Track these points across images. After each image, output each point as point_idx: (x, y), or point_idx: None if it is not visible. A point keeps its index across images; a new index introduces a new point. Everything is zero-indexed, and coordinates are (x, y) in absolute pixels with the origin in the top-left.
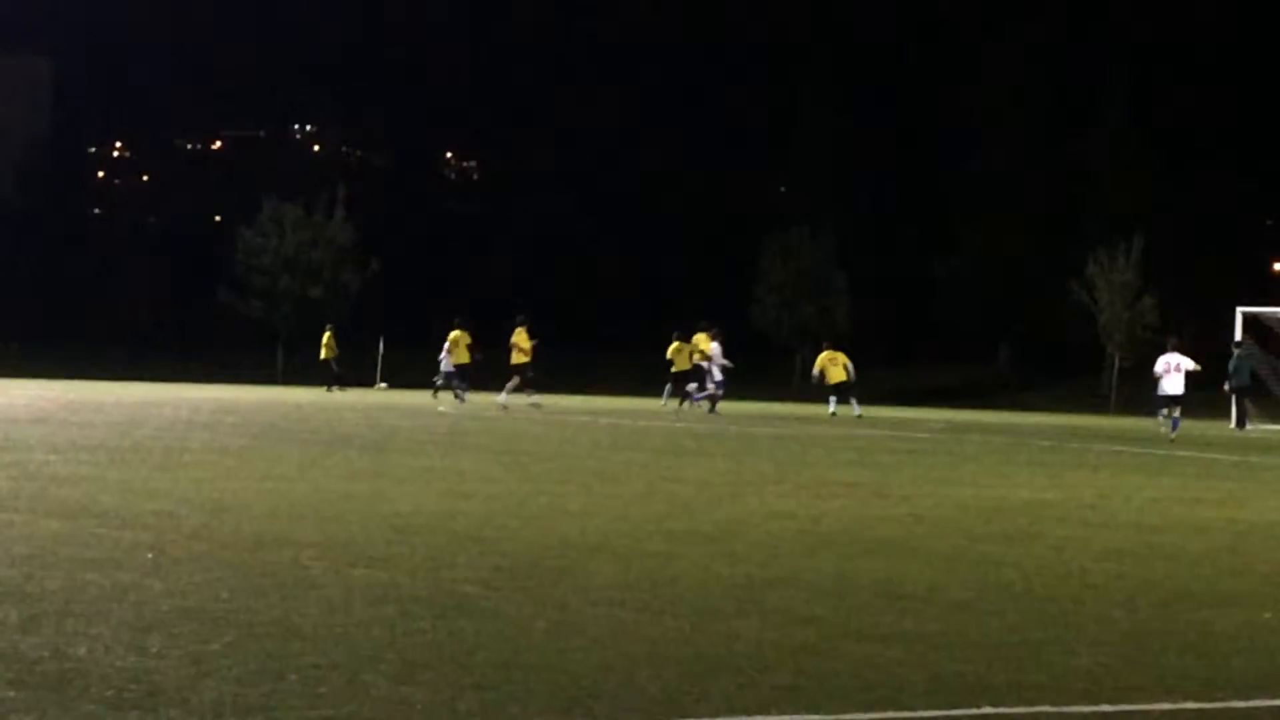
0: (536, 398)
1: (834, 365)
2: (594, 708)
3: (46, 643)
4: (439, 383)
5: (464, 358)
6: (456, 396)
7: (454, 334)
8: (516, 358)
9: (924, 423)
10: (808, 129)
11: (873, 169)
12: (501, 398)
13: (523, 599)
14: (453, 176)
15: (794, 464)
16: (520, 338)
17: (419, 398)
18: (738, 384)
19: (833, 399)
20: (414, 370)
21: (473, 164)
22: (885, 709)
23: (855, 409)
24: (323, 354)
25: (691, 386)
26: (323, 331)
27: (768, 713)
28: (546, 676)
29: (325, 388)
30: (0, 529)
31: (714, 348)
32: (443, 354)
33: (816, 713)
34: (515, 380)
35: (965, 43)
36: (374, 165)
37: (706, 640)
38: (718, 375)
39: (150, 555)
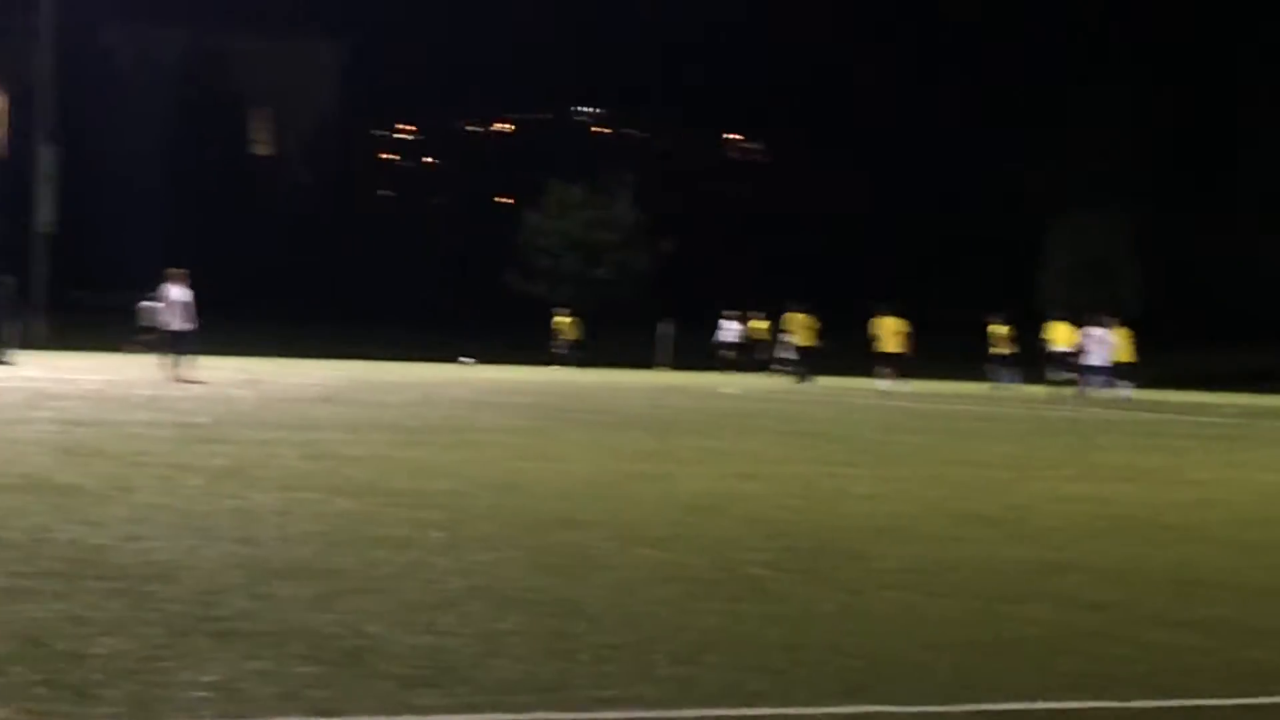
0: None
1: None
2: (882, 691)
3: (340, 620)
4: (777, 366)
5: (808, 340)
6: (801, 379)
7: (796, 316)
8: (894, 345)
9: (1218, 407)
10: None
11: (1169, 149)
12: (884, 385)
13: (810, 581)
14: (736, 157)
15: (1082, 447)
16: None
17: (703, 379)
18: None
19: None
20: (697, 352)
21: (758, 145)
22: (1177, 696)
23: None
24: (570, 334)
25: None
26: (564, 315)
27: (1058, 698)
28: (834, 659)
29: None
30: (294, 508)
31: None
32: (783, 336)
33: (1106, 699)
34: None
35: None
36: (658, 147)
37: (995, 624)
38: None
39: (440, 535)
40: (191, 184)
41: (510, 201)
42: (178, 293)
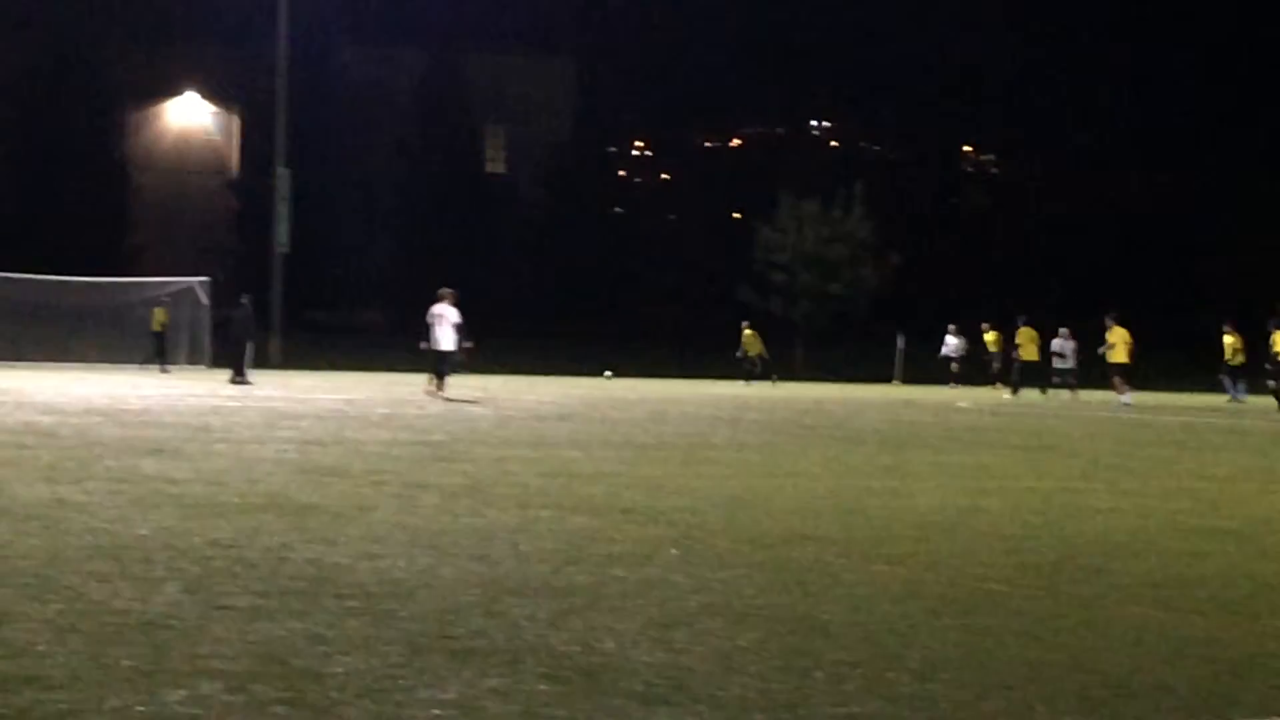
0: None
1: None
2: (1122, 708)
3: (575, 637)
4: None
5: (1032, 355)
6: (1068, 387)
7: (1023, 330)
8: (1124, 355)
9: None
10: None
11: None
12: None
13: (1048, 597)
14: (970, 170)
15: None
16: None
17: (938, 393)
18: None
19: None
20: (926, 366)
21: (990, 157)
22: None
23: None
24: (754, 349)
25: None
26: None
27: None
28: (1073, 676)
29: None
30: (529, 525)
31: None
32: (1012, 350)
33: None
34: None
35: None
36: (891, 160)
37: (1237, 639)
38: None
39: (675, 551)
40: (425, 202)
41: (742, 217)
42: (447, 311)
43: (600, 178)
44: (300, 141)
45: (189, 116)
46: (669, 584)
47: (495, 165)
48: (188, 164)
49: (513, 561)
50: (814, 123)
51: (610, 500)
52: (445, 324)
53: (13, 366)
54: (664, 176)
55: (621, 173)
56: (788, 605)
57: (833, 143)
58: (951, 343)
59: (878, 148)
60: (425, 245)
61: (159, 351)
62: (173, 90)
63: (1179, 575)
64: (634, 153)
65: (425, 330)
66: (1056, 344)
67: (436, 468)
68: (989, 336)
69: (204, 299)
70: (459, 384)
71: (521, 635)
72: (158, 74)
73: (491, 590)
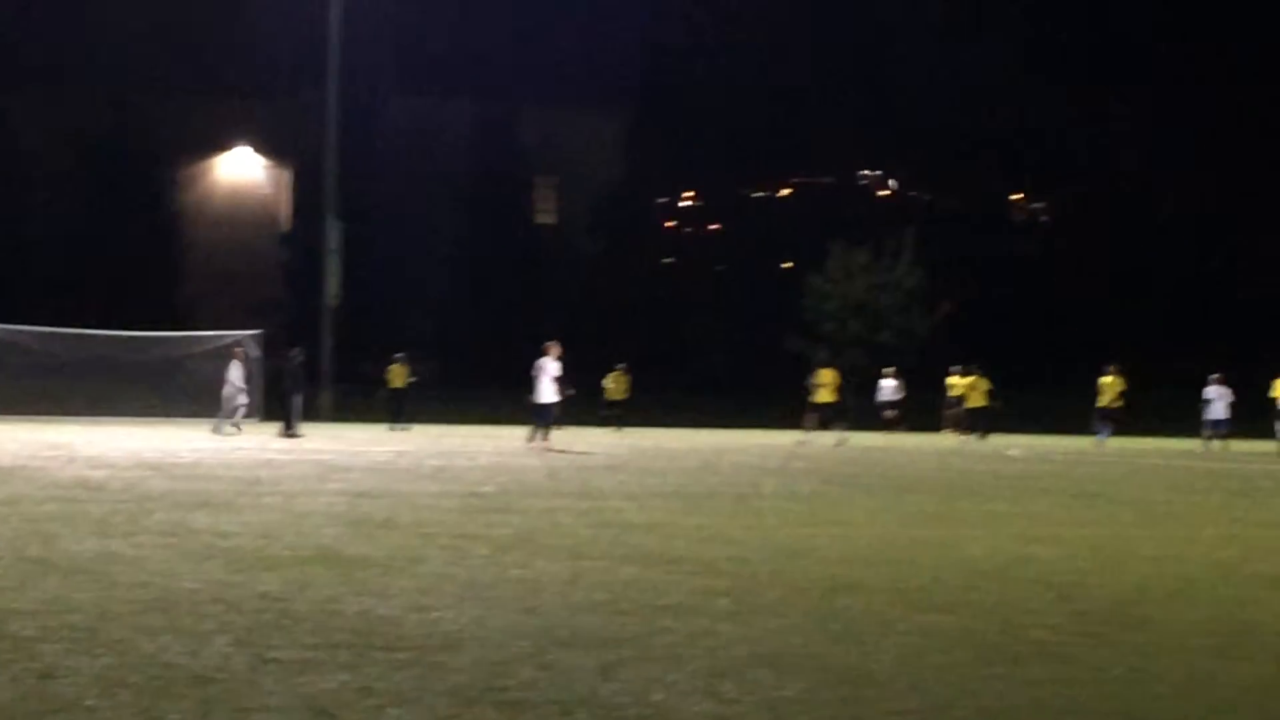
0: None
1: None
2: None
3: (625, 688)
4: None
5: (980, 401)
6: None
7: (972, 379)
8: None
9: None
10: None
11: None
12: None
13: (1099, 645)
14: (1020, 219)
15: None
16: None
17: (990, 441)
18: None
19: None
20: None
21: (1040, 205)
22: None
23: None
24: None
25: None
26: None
27: None
28: None
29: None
30: (580, 576)
31: None
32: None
33: None
34: None
35: None
36: (941, 208)
37: None
38: None
39: (725, 601)
40: (475, 255)
41: (791, 266)
42: (548, 364)
43: (649, 228)
44: (350, 193)
45: (240, 170)
46: (718, 634)
47: (545, 216)
48: (239, 218)
49: (562, 613)
50: (863, 171)
51: (660, 550)
52: (546, 376)
53: (65, 421)
54: (713, 227)
55: (671, 223)
56: (837, 655)
57: (881, 191)
58: (887, 387)
59: (928, 197)
60: (476, 296)
61: (398, 411)
62: (224, 144)
63: (1230, 623)
64: (683, 204)
65: (529, 383)
66: (1210, 391)
67: (487, 519)
68: (953, 380)
69: (256, 352)
70: (547, 437)
71: (571, 687)
72: (209, 128)
73: (541, 641)
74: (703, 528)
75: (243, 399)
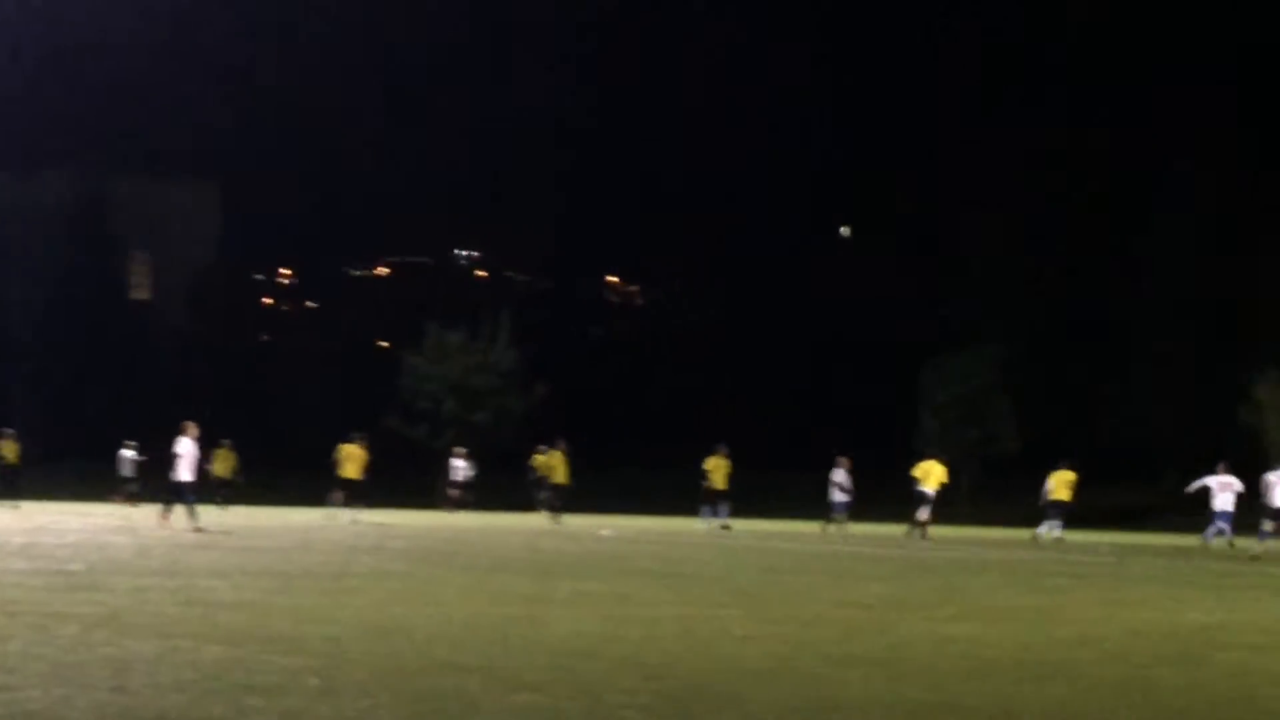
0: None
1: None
2: None
3: None
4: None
5: (563, 479)
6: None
7: (553, 453)
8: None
9: (1092, 546)
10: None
11: (1042, 295)
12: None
13: None
14: (615, 300)
15: (959, 587)
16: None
17: (583, 521)
18: (903, 506)
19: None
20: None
21: (634, 288)
22: None
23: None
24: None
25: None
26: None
27: None
28: None
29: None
30: (166, 655)
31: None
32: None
33: None
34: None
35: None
36: (537, 289)
37: None
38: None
39: (315, 681)
40: (69, 329)
41: (389, 346)
42: (187, 444)
43: (246, 305)
44: None
45: None
46: (308, 714)
47: (140, 291)
48: None
49: (150, 692)
50: (461, 252)
51: (251, 630)
52: (184, 455)
53: None
54: (310, 304)
55: (268, 300)
56: None
57: (479, 272)
58: (458, 466)
59: (525, 278)
60: (65, 374)
61: (8, 487)
62: None
63: (817, 701)
64: (280, 280)
65: (171, 461)
66: (837, 475)
67: (75, 597)
68: (540, 460)
69: None
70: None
71: None
72: None
73: None
74: (295, 606)
75: None
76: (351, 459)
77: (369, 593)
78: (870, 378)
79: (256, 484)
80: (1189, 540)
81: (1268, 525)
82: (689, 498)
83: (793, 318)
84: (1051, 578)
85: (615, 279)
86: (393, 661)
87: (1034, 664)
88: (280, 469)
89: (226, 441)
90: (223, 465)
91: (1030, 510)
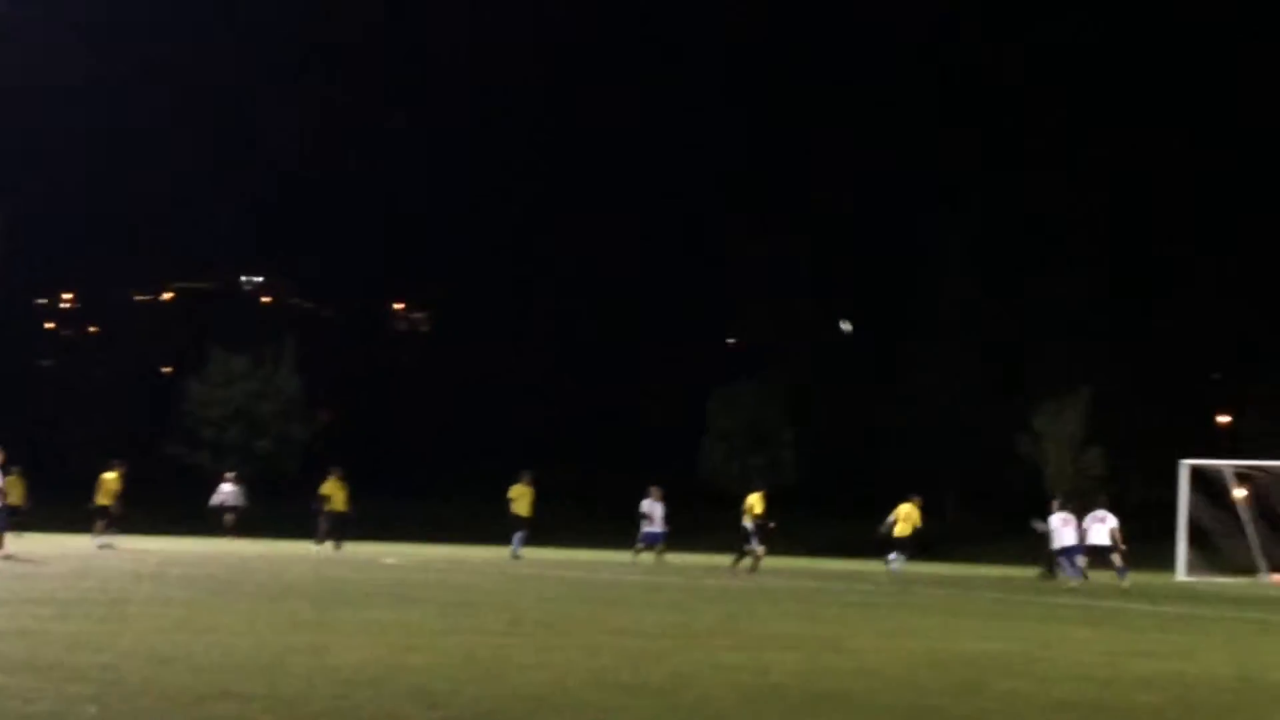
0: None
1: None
2: None
3: None
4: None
5: (341, 506)
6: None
7: (333, 481)
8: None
9: (872, 574)
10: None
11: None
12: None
13: None
14: (402, 328)
15: (741, 616)
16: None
17: (368, 549)
18: (686, 534)
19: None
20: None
21: (421, 315)
22: None
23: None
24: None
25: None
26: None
27: None
28: None
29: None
30: None
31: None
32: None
33: None
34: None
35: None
36: (322, 316)
37: None
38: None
39: (94, 709)
40: None
41: (172, 371)
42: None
43: (28, 329)
44: None
45: None
46: None
47: None
48: None
49: None
50: (245, 278)
51: (27, 658)
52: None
53: None
54: (92, 329)
55: (50, 325)
56: None
57: (264, 298)
58: (226, 491)
59: (309, 304)
60: None
61: None
62: None
63: None
64: (63, 304)
65: None
66: (645, 505)
67: None
68: (327, 489)
69: None
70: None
71: None
72: None
73: None
74: (72, 634)
75: None
76: (104, 486)
77: (149, 620)
78: (660, 406)
79: (37, 511)
80: (970, 570)
81: (1116, 559)
82: (477, 526)
83: (582, 343)
84: (833, 607)
85: (401, 305)
86: (173, 689)
87: (813, 692)
88: (62, 494)
89: (15, 468)
90: (14, 492)
91: (812, 540)
